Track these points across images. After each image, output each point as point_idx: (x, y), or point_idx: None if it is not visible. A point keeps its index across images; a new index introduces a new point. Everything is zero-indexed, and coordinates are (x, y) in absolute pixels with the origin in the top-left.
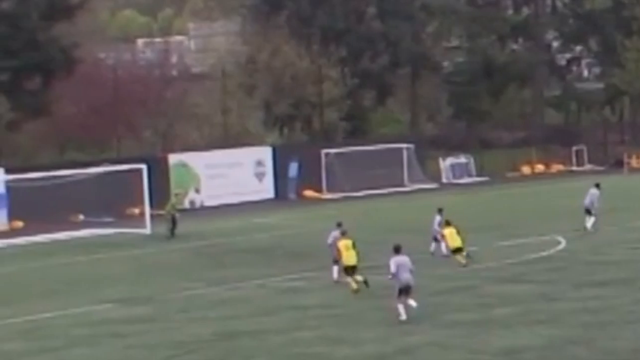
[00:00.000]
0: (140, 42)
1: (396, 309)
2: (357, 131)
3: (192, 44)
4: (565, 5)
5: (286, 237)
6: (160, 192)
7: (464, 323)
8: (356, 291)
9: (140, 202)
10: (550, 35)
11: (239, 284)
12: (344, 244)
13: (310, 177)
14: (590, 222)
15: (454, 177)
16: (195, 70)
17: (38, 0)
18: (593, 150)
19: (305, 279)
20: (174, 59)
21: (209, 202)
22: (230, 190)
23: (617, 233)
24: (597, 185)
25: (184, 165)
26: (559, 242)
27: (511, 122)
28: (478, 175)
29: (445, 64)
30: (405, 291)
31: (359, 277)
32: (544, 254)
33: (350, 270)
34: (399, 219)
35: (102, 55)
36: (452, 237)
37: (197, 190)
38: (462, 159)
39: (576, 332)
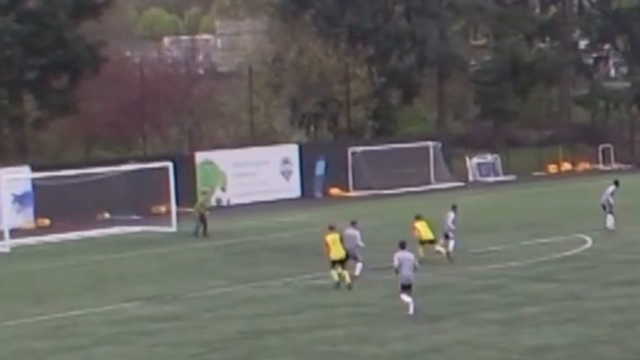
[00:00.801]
0: (166, 40)
1: (404, 304)
2: (383, 130)
3: (219, 42)
4: (593, 5)
5: (312, 236)
6: (186, 191)
7: (493, 322)
8: (337, 285)
9: (167, 200)
10: (577, 34)
11: (265, 283)
12: (331, 238)
13: (336, 175)
14: (610, 221)
15: (481, 175)
16: (222, 68)
17: None
18: (620, 149)
19: (330, 277)
20: (200, 57)
21: (235, 201)
22: (257, 189)
23: None
24: (617, 183)
25: (210, 163)
26: (585, 241)
27: (538, 121)
28: (504, 174)
29: (472, 62)
30: (406, 288)
31: (346, 273)
32: (570, 253)
33: (337, 264)
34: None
35: (128, 53)
36: (424, 230)
37: (224, 189)
38: (489, 158)
39: (604, 331)
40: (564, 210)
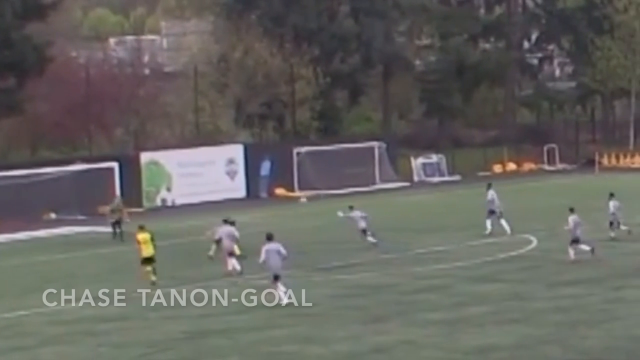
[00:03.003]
0: (112, 40)
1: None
2: (329, 130)
3: (165, 43)
4: (537, 5)
5: (257, 236)
6: (132, 191)
7: (438, 322)
8: (153, 283)
9: (113, 201)
10: (522, 34)
11: (210, 283)
12: (142, 237)
13: (282, 175)
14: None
15: (426, 175)
16: (168, 68)
17: None
18: (565, 149)
19: None
20: (146, 57)
21: (180, 201)
22: (202, 189)
23: (589, 232)
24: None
25: (155, 163)
26: (530, 241)
27: (483, 121)
28: (450, 174)
29: (418, 62)
30: (275, 278)
31: (152, 273)
32: (516, 253)
33: (146, 262)
34: (370, 217)
35: (74, 54)
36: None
37: (169, 189)
38: (434, 158)
39: (548, 331)
40: (509, 211)
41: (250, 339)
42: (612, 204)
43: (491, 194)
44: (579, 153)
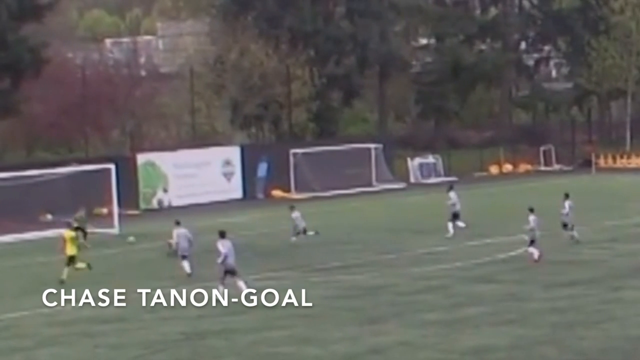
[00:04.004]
0: (108, 41)
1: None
2: (325, 131)
3: (161, 44)
4: (534, 6)
5: (254, 237)
6: (128, 192)
7: (434, 322)
8: (62, 281)
9: (109, 202)
10: (518, 35)
11: (207, 284)
12: (68, 236)
13: (278, 177)
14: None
15: (422, 176)
16: (164, 70)
17: (8, 0)
18: (561, 150)
19: (273, 278)
20: (142, 58)
21: (177, 202)
22: (199, 190)
23: (586, 233)
24: (567, 195)
25: (152, 164)
26: (527, 242)
27: (479, 122)
28: (446, 175)
29: (414, 63)
30: (231, 273)
31: (81, 265)
32: (512, 253)
33: (70, 260)
34: (366, 218)
35: (70, 55)
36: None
37: (165, 190)
38: (430, 159)
39: (545, 331)
40: (506, 211)
41: (248, 340)
42: (567, 204)
43: (452, 195)
44: (575, 154)
